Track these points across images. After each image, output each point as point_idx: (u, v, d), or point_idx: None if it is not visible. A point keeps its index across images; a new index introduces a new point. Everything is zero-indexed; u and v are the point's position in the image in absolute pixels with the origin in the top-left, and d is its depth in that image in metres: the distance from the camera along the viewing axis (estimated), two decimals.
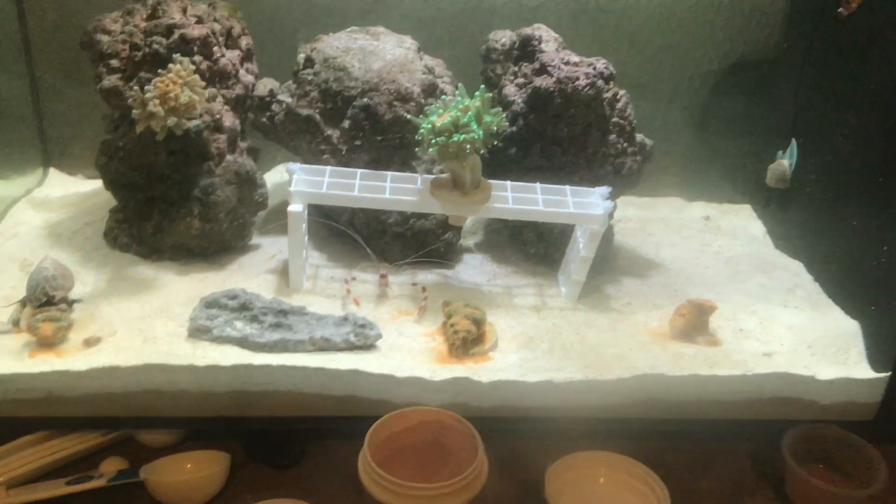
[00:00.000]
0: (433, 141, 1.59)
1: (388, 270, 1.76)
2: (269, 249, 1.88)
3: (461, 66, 1.99)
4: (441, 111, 1.62)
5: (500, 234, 2.02)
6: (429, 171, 1.79)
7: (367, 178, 1.73)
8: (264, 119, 1.84)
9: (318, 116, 1.80)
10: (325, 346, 1.57)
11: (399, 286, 1.78)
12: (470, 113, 1.61)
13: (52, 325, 1.53)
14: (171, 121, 1.57)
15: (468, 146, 1.59)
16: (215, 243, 1.79)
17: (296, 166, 1.73)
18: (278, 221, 1.86)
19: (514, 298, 1.78)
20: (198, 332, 1.57)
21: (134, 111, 1.56)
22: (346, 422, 1.58)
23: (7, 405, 1.50)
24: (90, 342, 1.55)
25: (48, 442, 1.54)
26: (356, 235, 1.83)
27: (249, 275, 1.78)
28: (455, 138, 1.59)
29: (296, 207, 1.67)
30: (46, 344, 1.53)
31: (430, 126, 1.61)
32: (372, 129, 1.75)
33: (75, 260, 1.77)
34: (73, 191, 2.08)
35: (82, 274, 1.73)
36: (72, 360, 1.50)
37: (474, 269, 1.88)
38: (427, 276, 1.83)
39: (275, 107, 1.83)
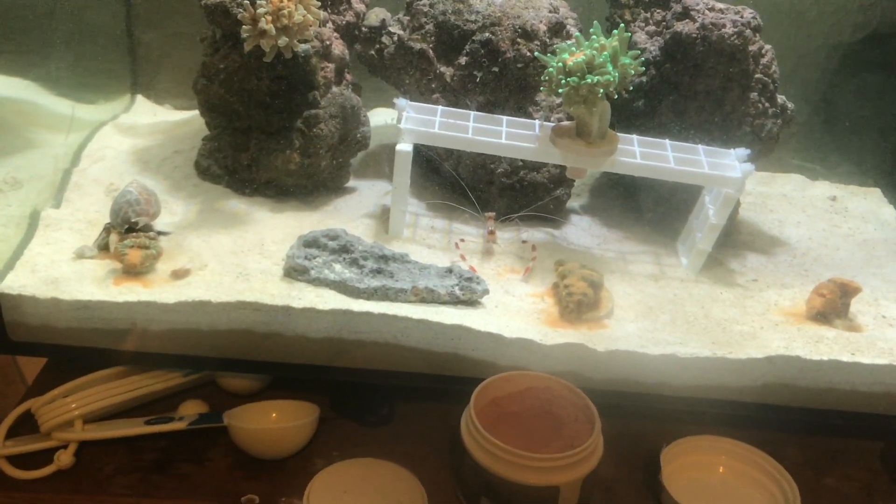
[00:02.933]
0: (563, 81, 1.43)
1: (493, 225, 1.60)
2: (365, 193, 1.73)
3: (579, 10, 1.80)
4: (574, 49, 1.46)
5: (605, 197, 1.84)
6: (545, 119, 1.63)
7: (481, 121, 1.57)
8: (372, 52, 1.68)
9: (431, 51, 1.63)
10: (427, 297, 1.42)
11: (504, 242, 1.62)
12: (606, 53, 1.44)
13: (140, 252, 1.41)
14: (282, 41, 1.42)
15: (601, 89, 1.43)
16: (312, 181, 1.65)
17: (405, 102, 1.58)
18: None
19: (629, 265, 1.61)
20: (294, 271, 1.43)
21: (243, 27, 1.42)
22: (443, 381, 1.43)
23: (87, 334, 1.38)
24: (179, 274, 1.43)
25: (127, 378, 1.43)
26: (470, 201, 1.68)
27: (346, 218, 1.63)
28: (588, 79, 1.42)
29: (404, 146, 1.51)
30: (133, 272, 1.41)
31: (560, 65, 1.44)
32: (490, 67, 1.58)
33: (164, 188, 1.64)
34: (161, 119, 1.95)
35: (171, 203, 1.60)
36: (159, 291, 1.38)
37: (583, 231, 1.71)
38: (533, 234, 1.67)
39: (385, 39, 1.67)
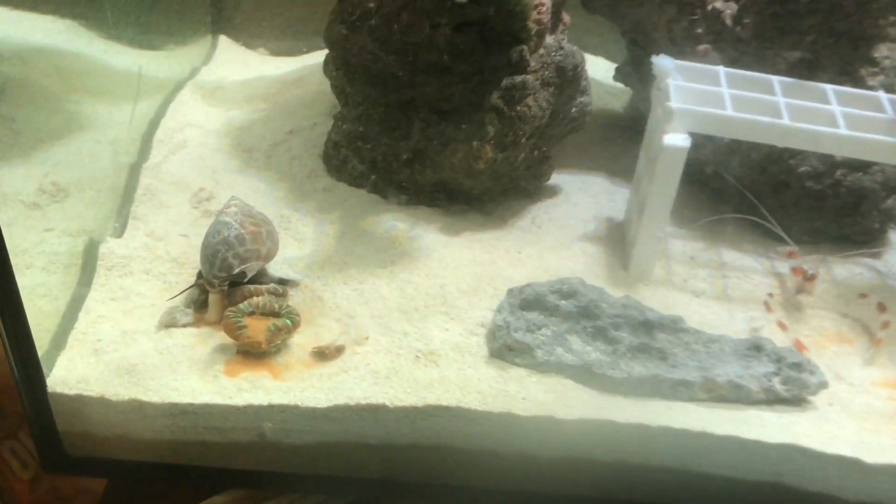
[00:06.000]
0: None
1: (799, 259, 1.05)
2: (573, 196, 1.21)
3: None
4: None
5: None
6: (887, 87, 1.06)
7: (793, 94, 1.03)
8: None
9: None
10: (729, 394, 0.92)
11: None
12: None
13: (266, 324, 0.92)
14: None
15: None
16: (501, 184, 1.12)
17: (670, 62, 1.02)
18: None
19: None
20: (509, 351, 0.93)
21: None
22: None
23: (192, 449, 0.94)
24: (326, 354, 0.95)
25: None
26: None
27: (554, 243, 1.14)
28: None
29: (678, 139, 0.98)
30: (255, 353, 0.92)
31: None
32: (810, 4, 1.00)
33: (280, 197, 1.16)
34: (256, 73, 1.45)
35: (293, 223, 1.13)
36: (299, 384, 0.93)
37: None
38: (846, 269, 1.13)
39: None
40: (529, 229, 1.18)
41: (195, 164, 1.21)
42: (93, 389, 0.92)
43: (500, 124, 1.09)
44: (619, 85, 1.41)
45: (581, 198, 1.23)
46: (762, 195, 1.16)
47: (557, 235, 1.17)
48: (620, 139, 1.34)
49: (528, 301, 0.99)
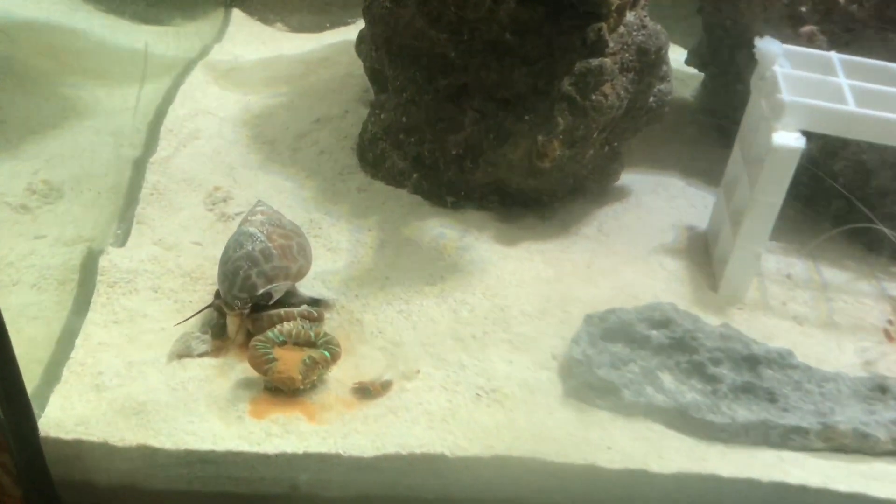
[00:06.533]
0: None
1: None
2: (644, 198, 1.08)
3: None
4: None
5: None
6: None
7: None
8: None
9: None
10: (851, 444, 0.80)
11: None
12: None
13: (300, 356, 0.78)
14: None
15: None
16: (565, 185, 0.98)
17: (778, 46, 0.88)
18: None
19: None
20: (591, 390, 0.79)
21: None
22: None
23: (212, 502, 0.80)
24: (371, 391, 0.81)
25: None
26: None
27: (627, 256, 1.00)
28: None
29: (791, 139, 0.85)
30: (287, 389, 0.78)
31: None
32: None
33: (307, 198, 1.04)
34: (275, 51, 1.33)
35: (325, 229, 1.00)
36: (339, 429, 0.80)
37: None
38: None
39: None
40: (597, 238, 1.04)
41: (209, 159, 1.08)
42: (94, 433, 0.80)
43: (570, 116, 0.94)
44: (687, 70, 1.27)
45: (654, 202, 1.09)
46: (865, 203, 1.03)
47: (629, 246, 1.03)
48: (695, 132, 1.20)
49: (611, 330, 0.85)
